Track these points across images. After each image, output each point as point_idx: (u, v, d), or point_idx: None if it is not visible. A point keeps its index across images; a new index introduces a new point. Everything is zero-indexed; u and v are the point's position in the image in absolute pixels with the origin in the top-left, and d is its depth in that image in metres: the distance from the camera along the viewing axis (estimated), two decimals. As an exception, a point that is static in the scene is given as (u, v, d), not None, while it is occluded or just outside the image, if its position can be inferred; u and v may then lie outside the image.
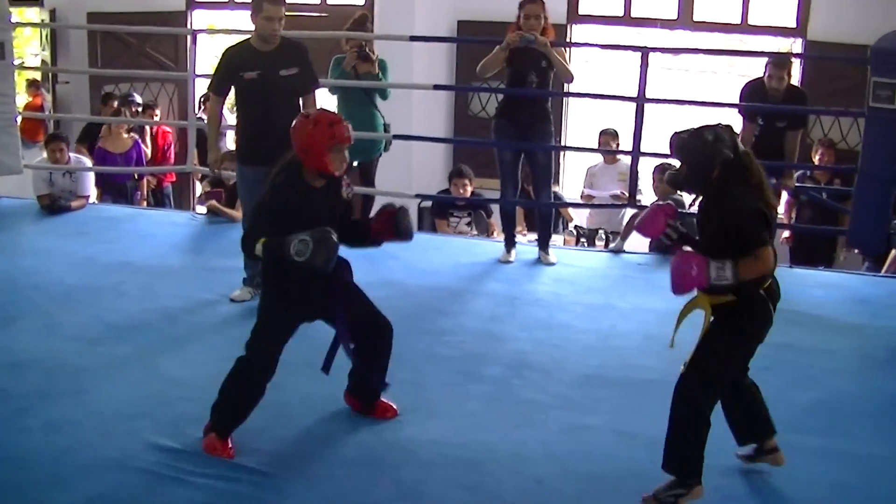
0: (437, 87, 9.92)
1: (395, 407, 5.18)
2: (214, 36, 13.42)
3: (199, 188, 11.60)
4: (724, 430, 4.59)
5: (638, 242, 8.97)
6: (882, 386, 5.84)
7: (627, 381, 5.67)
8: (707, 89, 15.35)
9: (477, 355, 5.93)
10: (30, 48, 16.20)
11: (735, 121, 7.98)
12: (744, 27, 11.34)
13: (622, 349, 6.21)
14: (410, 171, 10.81)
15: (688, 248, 4.41)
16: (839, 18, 10.66)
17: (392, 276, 7.28)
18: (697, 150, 4.19)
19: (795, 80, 8.66)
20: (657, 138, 9.88)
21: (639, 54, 8.13)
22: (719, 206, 4.21)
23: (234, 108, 6.79)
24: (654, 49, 8.36)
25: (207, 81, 11.77)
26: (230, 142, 11.76)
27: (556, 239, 9.25)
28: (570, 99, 11.25)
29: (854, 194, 7.23)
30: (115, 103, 11.37)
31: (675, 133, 4.30)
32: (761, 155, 7.71)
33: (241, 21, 14.42)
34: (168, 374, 5.57)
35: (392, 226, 4.85)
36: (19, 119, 9.24)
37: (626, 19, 11.71)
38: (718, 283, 4.09)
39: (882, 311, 7.18)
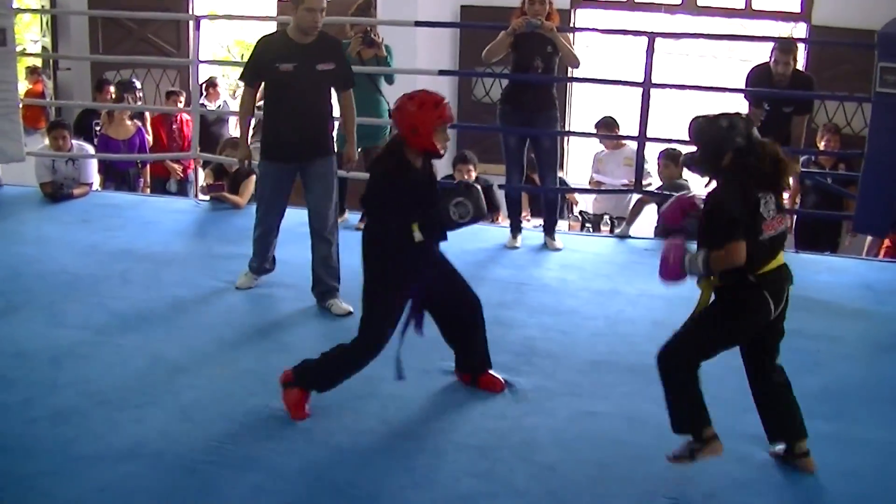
0: (442, 72, 9.89)
1: (501, 380, 5.33)
2: (216, 21, 13.40)
3: (201, 176, 11.55)
4: (739, 413, 4.59)
5: (644, 227, 8.98)
6: (889, 372, 5.84)
7: (636, 366, 5.64)
8: (707, 74, 15.31)
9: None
10: (30, 34, 16.16)
11: (741, 106, 8.00)
12: (747, 12, 11.33)
13: (630, 335, 6.19)
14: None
15: (676, 239, 4.45)
16: (843, 3, 10.65)
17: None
18: (710, 136, 4.27)
19: (800, 65, 8.60)
20: (662, 123, 9.89)
21: (645, 39, 8.09)
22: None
23: (262, 101, 6.54)
24: (661, 34, 8.34)
25: (210, 68, 11.90)
26: (232, 129, 11.77)
27: (562, 224, 9.22)
28: (575, 84, 11.22)
29: (860, 179, 7.21)
30: (112, 89, 11.26)
31: (694, 117, 4.36)
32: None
33: (242, 6, 14.53)
34: (175, 363, 5.54)
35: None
36: (20, 106, 9.18)
37: (630, 4, 11.70)
38: (693, 273, 4.30)
39: (888, 297, 7.18)
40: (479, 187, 4.74)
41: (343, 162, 6.74)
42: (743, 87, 8.10)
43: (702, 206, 4.38)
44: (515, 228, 8.07)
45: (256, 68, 6.34)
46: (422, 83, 10.52)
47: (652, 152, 9.00)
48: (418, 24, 9.20)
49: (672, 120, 11.66)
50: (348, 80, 6.52)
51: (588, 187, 9.91)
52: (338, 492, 4.33)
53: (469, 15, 11.55)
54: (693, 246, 4.33)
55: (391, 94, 8.25)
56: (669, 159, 8.79)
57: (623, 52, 12.15)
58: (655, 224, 4.52)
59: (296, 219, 6.67)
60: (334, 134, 6.85)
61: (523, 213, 8.68)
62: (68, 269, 7.07)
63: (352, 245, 7.08)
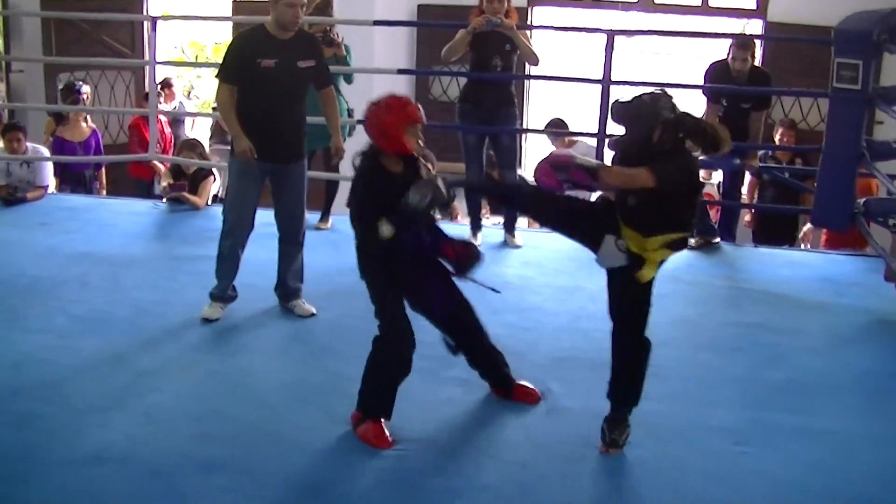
0: (401, 71, 9.89)
1: (535, 391, 5.24)
2: (169, 22, 13.32)
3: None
4: (705, 407, 4.61)
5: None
6: (851, 362, 5.89)
7: (599, 362, 5.59)
8: (663, 71, 15.37)
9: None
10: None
11: (699, 102, 8.05)
12: (704, 9, 11.40)
13: (592, 331, 6.17)
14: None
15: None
16: (799, 0, 10.73)
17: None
18: (637, 112, 4.28)
19: (757, 61, 8.66)
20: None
21: (603, 36, 8.12)
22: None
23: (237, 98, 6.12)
24: (621, 32, 8.35)
25: (165, 69, 11.81)
26: (188, 129, 11.71)
27: (521, 221, 9.22)
28: (531, 82, 11.25)
29: (819, 174, 7.25)
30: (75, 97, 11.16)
31: (616, 101, 4.40)
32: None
33: (196, 7, 14.45)
34: (137, 366, 5.49)
35: (458, 262, 4.98)
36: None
37: (587, 2, 11.73)
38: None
39: (846, 289, 7.24)
40: (436, 177, 4.75)
41: (333, 155, 6.61)
42: (701, 83, 8.14)
43: (576, 161, 4.29)
44: (475, 226, 8.06)
45: (236, 65, 6.06)
46: (380, 82, 10.58)
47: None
48: (377, 23, 9.20)
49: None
50: (328, 76, 6.42)
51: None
52: (306, 492, 4.31)
53: (426, 14, 11.56)
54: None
55: (349, 94, 8.26)
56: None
57: (580, 49, 12.17)
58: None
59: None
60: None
61: (483, 211, 8.67)
62: (27, 272, 6.98)
63: (315, 246, 7.12)
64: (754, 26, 11.31)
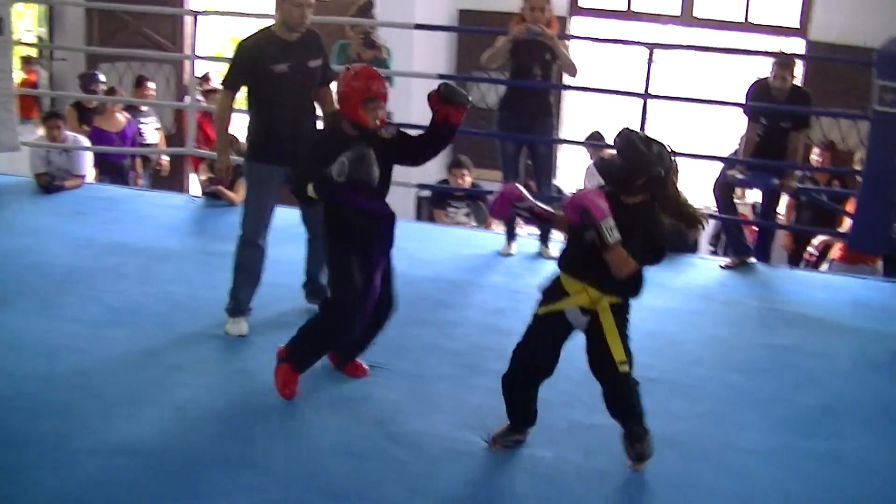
0: (441, 76, 9.87)
1: (366, 367, 5.45)
2: (210, 16, 13.36)
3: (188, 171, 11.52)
4: (735, 430, 4.59)
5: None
6: (883, 389, 5.84)
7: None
8: (701, 86, 15.30)
9: (481, 348, 5.89)
10: (23, 24, 16.09)
11: (739, 120, 8.02)
12: (746, 25, 11.34)
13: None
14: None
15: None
16: (840, 20, 10.69)
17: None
18: (638, 155, 4.25)
19: (797, 80, 8.62)
20: (657, 134, 9.87)
21: (643, 49, 8.10)
22: (635, 216, 4.30)
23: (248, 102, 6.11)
24: (661, 45, 8.33)
25: (205, 63, 11.86)
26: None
27: (556, 233, 9.21)
28: (568, 92, 11.23)
29: (858, 196, 7.22)
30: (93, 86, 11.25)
31: (625, 128, 4.37)
32: (764, 154, 7.79)
33: (239, 2, 14.49)
34: (169, 359, 5.52)
35: (443, 101, 5.00)
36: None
37: (628, 14, 11.71)
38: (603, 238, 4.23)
39: (882, 315, 7.19)
40: (366, 154, 4.78)
41: None
42: (741, 100, 8.12)
43: (526, 197, 4.51)
44: (510, 235, 8.06)
45: (244, 71, 5.92)
46: (419, 86, 10.58)
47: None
48: (418, 26, 9.20)
49: (667, 131, 11.68)
50: (330, 74, 6.23)
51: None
52: (330, 495, 4.30)
53: (467, 19, 11.56)
54: None
55: (389, 98, 8.26)
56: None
57: (619, 61, 12.12)
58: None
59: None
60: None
61: (518, 221, 8.67)
62: (63, 261, 7.04)
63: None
64: (796, 45, 11.24)
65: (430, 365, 5.58)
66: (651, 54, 8.01)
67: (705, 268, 7.94)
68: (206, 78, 11.89)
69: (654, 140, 4.31)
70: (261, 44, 5.91)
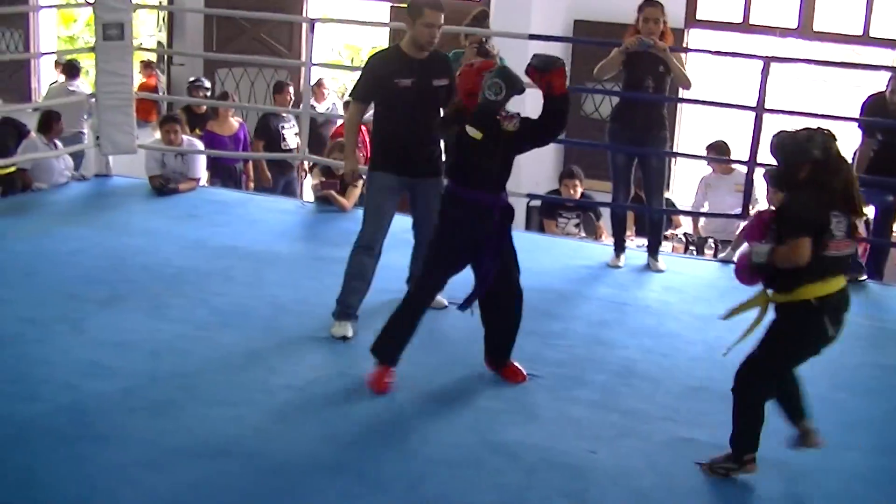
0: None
1: (524, 373, 5.50)
2: (327, 24, 13.49)
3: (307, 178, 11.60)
4: (851, 453, 4.51)
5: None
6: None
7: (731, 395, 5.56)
8: (819, 100, 15.06)
9: (584, 360, 5.84)
10: (145, 28, 16.43)
11: (854, 135, 7.84)
12: (865, 38, 11.08)
13: (729, 362, 6.04)
14: (520, 169, 10.66)
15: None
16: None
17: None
18: (788, 148, 4.31)
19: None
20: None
21: (759, 62, 7.97)
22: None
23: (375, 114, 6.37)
24: (777, 59, 8.17)
25: (321, 70, 11.96)
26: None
27: (666, 246, 9.11)
28: (685, 106, 11.10)
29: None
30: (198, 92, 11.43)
31: (776, 132, 4.42)
32: (880, 171, 7.58)
33: (355, 10, 14.62)
34: (271, 363, 5.56)
35: (538, 71, 5.20)
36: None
37: (745, 26, 11.51)
38: (756, 262, 4.34)
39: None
40: (504, 66, 5.18)
41: None
42: (856, 115, 7.94)
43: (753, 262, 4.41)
44: (619, 247, 7.98)
45: (372, 84, 6.16)
46: (530, 96, 10.55)
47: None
48: (532, 37, 9.16)
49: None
50: (454, 96, 6.29)
51: (695, 210, 9.76)
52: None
53: (582, 29, 11.48)
54: None
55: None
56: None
57: (736, 74, 11.98)
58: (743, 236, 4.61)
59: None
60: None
61: (627, 233, 8.58)
62: (173, 262, 7.14)
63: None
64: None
65: (530, 374, 5.54)
66: (766, 67, 7.87)
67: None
68: (319, 84, 11.99)
69: (802, 129, 4.34)
70: (388, 59, 6.19)
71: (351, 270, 6.13)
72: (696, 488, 4.55)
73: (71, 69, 12.87)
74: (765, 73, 7.86)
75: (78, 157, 10.39)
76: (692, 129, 12.29)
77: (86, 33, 20.06)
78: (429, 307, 5.43)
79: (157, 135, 9.65)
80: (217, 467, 4.40)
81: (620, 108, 7.89)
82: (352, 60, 18.89)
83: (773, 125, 8.41)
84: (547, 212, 9.42)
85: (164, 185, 9.11)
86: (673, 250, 9.55)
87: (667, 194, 9.05)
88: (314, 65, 9.83)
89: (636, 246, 8.68)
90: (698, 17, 11.63)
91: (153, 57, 14.57)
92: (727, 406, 5.22)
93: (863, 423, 5.34)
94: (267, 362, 5.56)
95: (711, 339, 6.41)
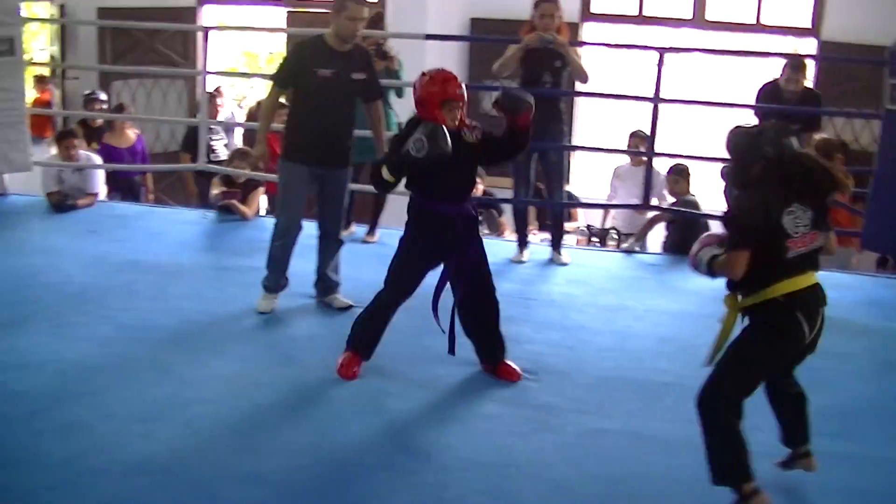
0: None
1: (518, 371, 5.60)
2: (223, 32, 13.39)
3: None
4: (761, 434, 4.58)
5: (653, 243, 8.98)
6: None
7: (643, 383, 5.65)
8: (714, 88, 15.29)
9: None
10: (37, 43, 16.17)
11: (750, 122, 7.99)
12: (757, 27, 11.30)
13: (637, 351, 6.18)
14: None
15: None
16: (853, 19, 10.64)
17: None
18: (738, 146, 4.20)
19: (809, 80, 8.59)
20: (670, 138, 9.87)
21: (656, 54, 8.08)
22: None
23: (290, 103, 6.62)
24: (672, 49, 8.30)
25: (218, 79, 11.89)
26: (238, 139, 11.74)
27: (569, 239, 9.21)
28: (580, 99, 11.21)
29: (869, 196, 7.17)
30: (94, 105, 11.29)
31: (731, 128, 4.33)
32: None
33: (251, 17, 14.52)
34: (181, 376, 5.51)
35: (509, 110, 5.27)
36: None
37: (639, 18, 11.69)
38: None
39: (894, 313, 7.15)
40: (439, 126, 5.02)
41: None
42: (752, 102, 8.09)
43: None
44: (522, 243, 8.05)
45: (293, 72, 6.34)
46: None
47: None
48: (429, 37, 9.20)
49: (681, 135, 11.67)
50: (377, 91, 6.63)
51: (596, 202, 9.89)
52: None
53: (479, 27, 11.55)
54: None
55: (400, 108, 8.28)
56: (678, 175, 8.78)
57: (631, 66, 12.11)
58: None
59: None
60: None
61: (529, 227, 8.66)
62: (75, 280, 7.04)
63: (363, 259, 7.16)
64: (808, 45, 11.21)
65: (442, 375, 5.58)
66: (662, 58, 7.99)
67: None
68: (217, 92, 11.91)
69: (755, 126, 4.29)
70: (311, 48, 6.35)
71: (270, 256, 6.51)
72: (610, 477, 4.60)
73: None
74: (660, 64, 7.99)
75: (-28, 178, 10.20)
76: (590, 123, 12.41)
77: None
78: (398, 307, 5.50)
79: (53, 150, 9.50)
80: (131, 485, 4.35)
81: (519, 103, 7.94)
82: (248, 67, 18.76)
83: (670, 115, 8.60)
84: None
85: (62, 202, 9.00)
86: (577, 243, 9.67)
87: (567, 187, 9.16)
88: (210, 73, 9.77)
89: (539, 240, 8.77)
90: (593, 10, 11.79)
91: (46, 71, 14.34)
92: (637, 395, 5.34)
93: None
94: (176, 376, 5.50)
95: (619, 329, 6.54)
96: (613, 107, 11.60)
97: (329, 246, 6.59)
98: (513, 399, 5.34)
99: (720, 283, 4.34)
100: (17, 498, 4.23)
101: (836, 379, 5.83)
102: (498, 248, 8.23)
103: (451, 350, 5.52)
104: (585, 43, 10.55)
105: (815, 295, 4.18)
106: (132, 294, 6.82)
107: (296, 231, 6.44)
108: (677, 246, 8.32)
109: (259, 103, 11.11)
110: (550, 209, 8.28)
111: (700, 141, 11.77)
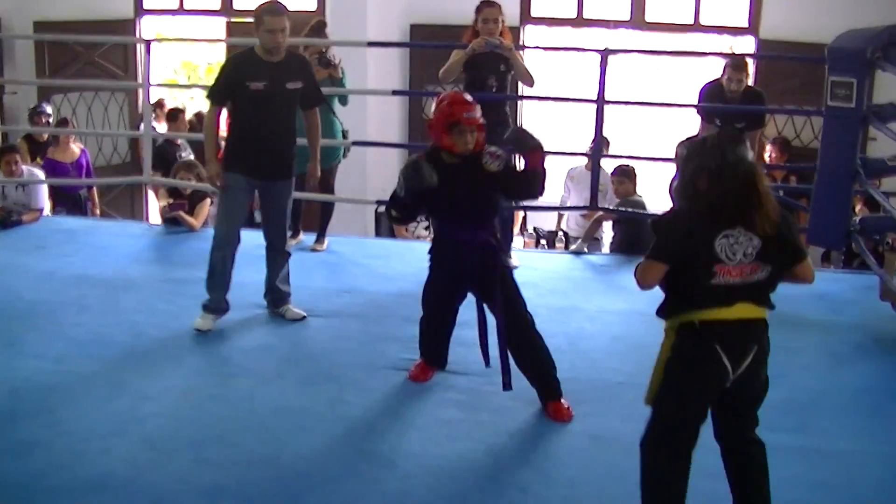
0: (395, 92, 9.92)
1: (570, 413, 5.26)
2: (162, 44, 13.33)
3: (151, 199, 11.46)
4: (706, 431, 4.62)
5: (602, 244, 9.04)
6: (848, 381, 5.92)
7: (598, 383, 5.68)
8: (655, 89, 15.43)
9: (448, 362, 5.88)
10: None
11: (693, 122, 8.07)
12: (696, 27, 11.41)
13: (590, 352, 6.22)
14: (366, 176, 10.78)
15: None
16: (790, 17, 10.78)
17: (355, 283, 7.29)
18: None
19: (750, 78, 8.68)
20: (615, 140, 9.95)
21: (597, 56, 8.13)
22: None
23: (229, 117, 6.54)
24: (615, 51, 8.35)
25: (160, 90, 11.83)
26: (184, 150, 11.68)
27: (517, 241, 9.24)
28: (525, 102, 11.26)
29: (813, 192, 7.25)
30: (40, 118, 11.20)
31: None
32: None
33: (189, 29, 14.46)
34: (137, 390, 5.47)
35: (520, 149, 5.27)
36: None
37: (579, 20, 11.75)
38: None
39: (842, 307, 7.25)
40: (413, 161, 5.07)
41: (307, 179, 6.79)
42: (695, 102, 8.17)
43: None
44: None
45: (227, 87, 6.31)
46: (374, 103, 10.60)
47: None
48: (371, 44, 9.21)
49: (625, 136, 11.75)
50: (315, 98, 6.62)
51: (545, 205, 9.93)
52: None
53: (419, 33, 11.56)
54: None
55: (344, 115, 8.28)
56: (623, 176, 8.84)
57: (572, 68, 12.20)
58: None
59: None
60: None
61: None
62: (24, 296, 6.97)
63: (311, 267, 7.14)
64: (747, 43, 11.33)
65: (399, 382, 5.59)
66: (604, 60, 8.04)
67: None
68: (160, 104, 11.86)
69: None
70: (242, 62, 6.35)
71: (210, 269, 6.38)
72: (572, 479, 4.63)
73: None
74: (603, 65, 8.04)
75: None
76: (535, 126, 12.46)
77: None
78: (441, 319, 5.65)
79: (-4, 167, 9.41)
80: (91, 502, 4.33)
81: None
82: (188, 78, 18.70)
83: (614, 117, 8.66)
84: (396, 217, 9.47)
85: (6, 218, 8.90)
86: (524, 245, 9.70)
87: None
88: (151, 85, 9.71)
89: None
90: (533, 13, 11.84)
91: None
92: (593, 395, 5.37)
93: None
94: (132, 390, 5.47)
95: (571, 330, 6.56)
96: (558, 109, 11.65)
97: (276, 259, 6.57)
98: (471, 404, 5.35)
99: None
100: (-25, 520, 4.21)
101: (786, 373, 5.86)
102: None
103: (506, 385, 5.23)
104: (528, 47, 10.62)
105: (748, 330, 3.80)
106: (83, 309, 6.76)
107: (234, 243, 6.37)
108: (625, 246, 8.38)
109: (198, 115, 11.14)
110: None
111: (645, 142, 11.87)
